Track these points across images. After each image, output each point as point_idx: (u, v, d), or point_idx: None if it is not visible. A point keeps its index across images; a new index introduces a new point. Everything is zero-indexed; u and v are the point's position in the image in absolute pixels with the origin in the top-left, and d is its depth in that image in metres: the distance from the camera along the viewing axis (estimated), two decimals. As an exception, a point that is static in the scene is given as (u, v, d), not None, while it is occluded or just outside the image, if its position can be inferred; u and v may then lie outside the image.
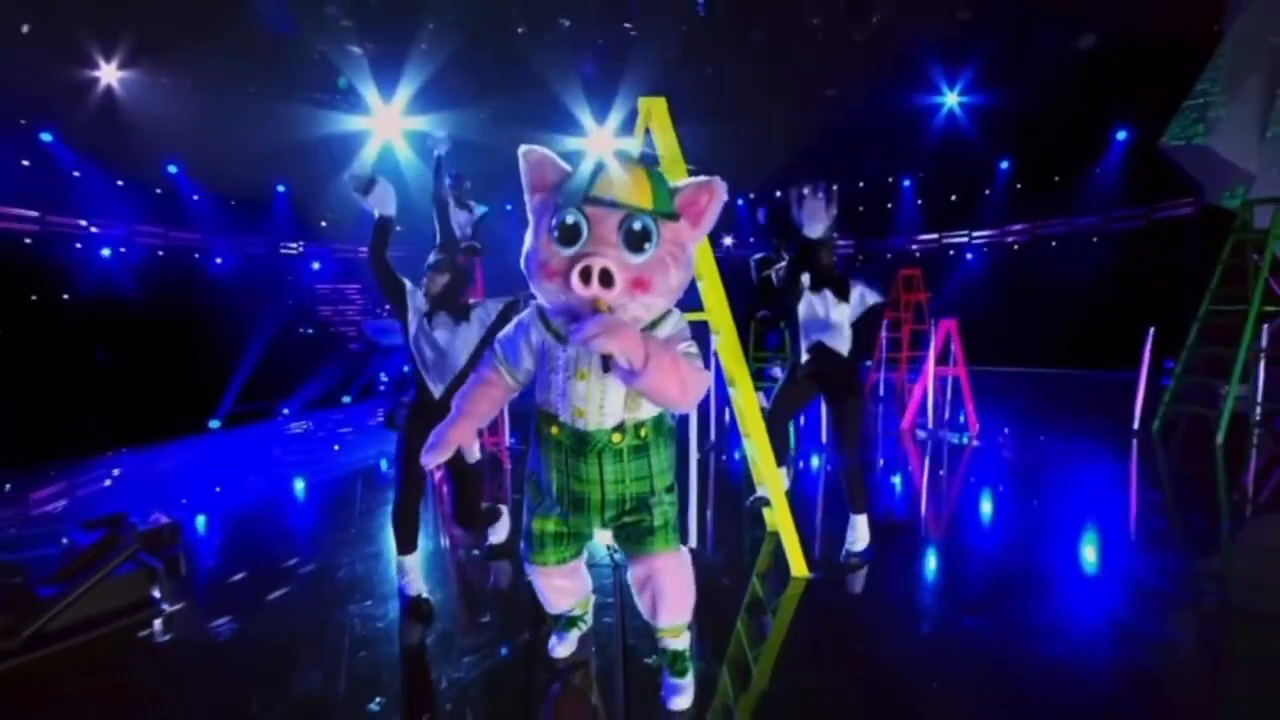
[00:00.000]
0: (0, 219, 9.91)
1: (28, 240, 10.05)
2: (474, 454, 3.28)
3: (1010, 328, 10.25)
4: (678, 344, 1.82)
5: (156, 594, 2.89)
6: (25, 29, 9.16)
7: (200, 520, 4.07)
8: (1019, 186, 12.46)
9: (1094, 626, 2.63)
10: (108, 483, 5.06)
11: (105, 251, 11.31)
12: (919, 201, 13.86)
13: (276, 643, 2.59)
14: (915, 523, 3.94)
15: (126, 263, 11.10)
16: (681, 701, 2.08)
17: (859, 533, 3.18)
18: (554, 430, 1.92)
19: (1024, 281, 11.35)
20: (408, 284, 2.84)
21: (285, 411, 7.31)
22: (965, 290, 11.76)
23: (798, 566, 2.93)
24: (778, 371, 5.53)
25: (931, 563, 3.34)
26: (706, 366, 2.03)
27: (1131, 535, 3.65)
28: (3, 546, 3.49)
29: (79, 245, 10.82)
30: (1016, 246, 12.55)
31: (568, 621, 2.39)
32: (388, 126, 13.32)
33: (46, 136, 10.64)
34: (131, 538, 2.94)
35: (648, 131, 2.85)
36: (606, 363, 1.69)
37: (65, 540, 3.18)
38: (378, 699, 2.19)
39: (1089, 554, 3.36)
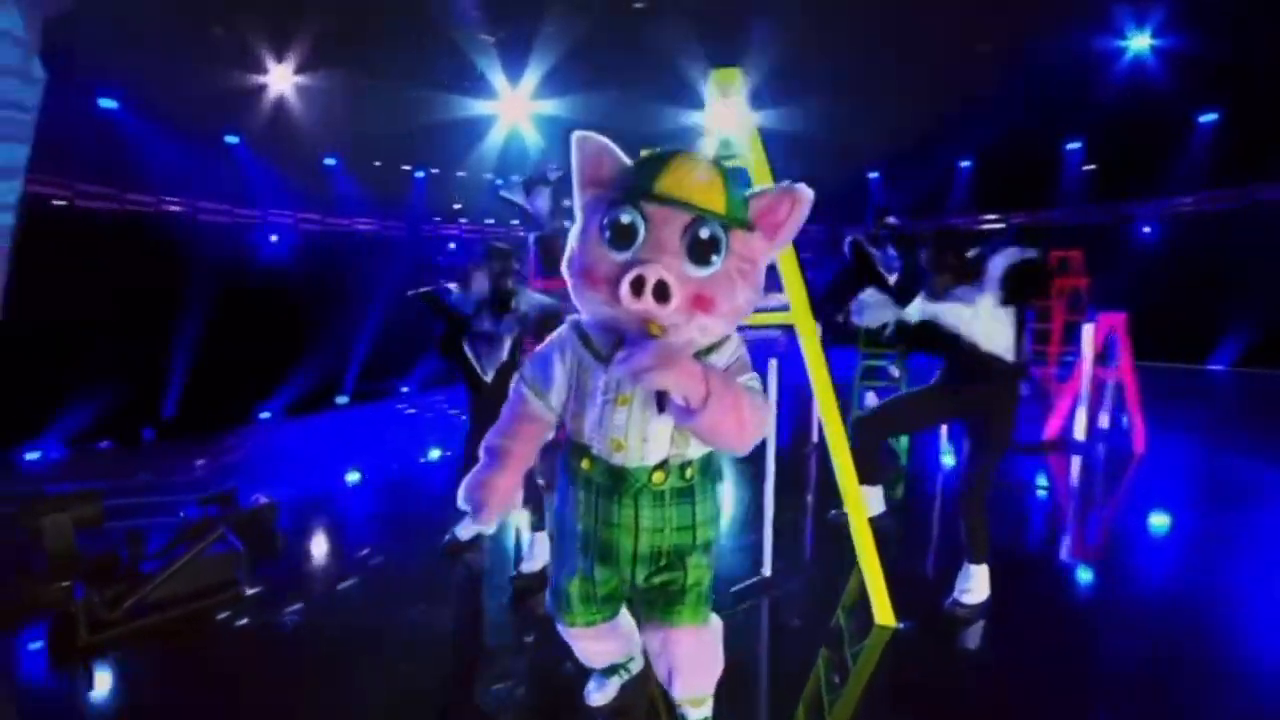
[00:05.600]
0: (199, 210, 11.29)
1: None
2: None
3: (1191, 316, 8.66)
4: (737, 375, 1.54)
5: (240, 575, 3.04)
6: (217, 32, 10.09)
7: (305, 500, 4.28)
8: (1220, 147, 10.42)
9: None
10: (225, 456, 5.56)
11: (274, 238, 12.63)
12: (1085, 169, 12.06)
13: (360, 631, 2.62)
14: (1045, 565, 3.32)
15: (282, 247, 12.28)
16: None
17: (975, 582, 2.69)
18: (585, 464, 1.67)
19: (1214, 261, 9.47)
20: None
21: (405, 389, 7.72)
22: (1140, 273, 10.07)
23: (883, 613, 2.53)
24: (894, 370, 4.95)
25: (1063, 621, 2.77)
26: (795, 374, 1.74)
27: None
28: (124, 514, 3.69)
29: (252, 232, 12.11)
30: (1205, 220, 10.55)
31: (609, 668, 2.15)
32: (514, 110, 13.71)
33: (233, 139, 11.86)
34: (220, 520, 3.13)
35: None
36: (662, 401, 1.45)
37: (182, 514, 3.41)
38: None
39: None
